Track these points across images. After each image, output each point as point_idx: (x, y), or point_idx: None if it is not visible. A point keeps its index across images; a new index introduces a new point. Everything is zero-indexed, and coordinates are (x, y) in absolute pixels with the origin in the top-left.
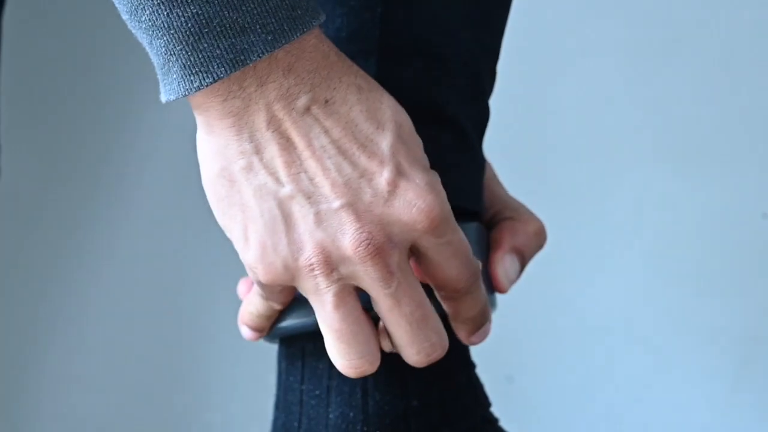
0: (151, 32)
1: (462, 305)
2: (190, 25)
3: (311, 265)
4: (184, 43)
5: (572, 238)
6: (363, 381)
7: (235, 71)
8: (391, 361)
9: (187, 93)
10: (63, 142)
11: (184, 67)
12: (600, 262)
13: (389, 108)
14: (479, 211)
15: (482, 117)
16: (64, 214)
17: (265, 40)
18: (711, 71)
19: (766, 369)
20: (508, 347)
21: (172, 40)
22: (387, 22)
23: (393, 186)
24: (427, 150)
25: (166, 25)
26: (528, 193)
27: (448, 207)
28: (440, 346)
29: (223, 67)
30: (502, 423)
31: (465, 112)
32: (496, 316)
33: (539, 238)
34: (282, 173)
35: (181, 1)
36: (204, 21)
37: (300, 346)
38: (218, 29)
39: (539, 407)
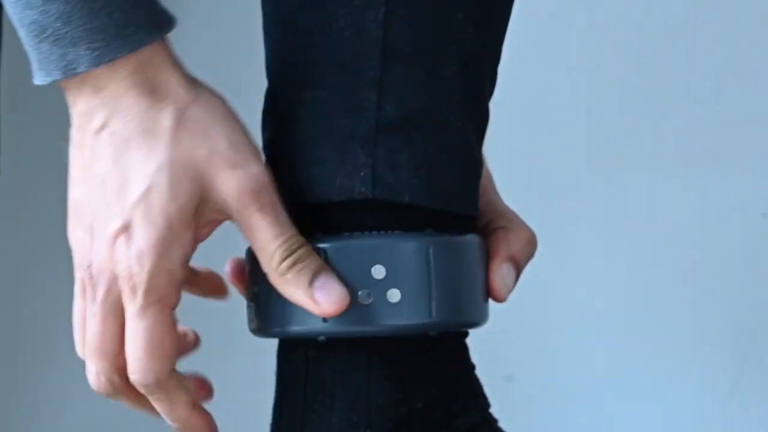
0: (15, 23)
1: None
2: (33, 28)
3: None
4: (32, 41)
5: (571, 238)
6: (367, 385)
7: (65, 78)
8: (393, 364)
9: (40, 83)
10: (64, 143)
11: (35, 61)
12: (599, 262)
13: (156, 168)
14: (474, 216)
15: (482, 119)
16: (63, 214)
17: (91, 56)
18: (710, 71)
19: (765, 369)
20: (508, 347)
21: (25, 36)
22: (390, 22)
23: (115, 236)
24: (423, 152)
25: (19, 22)
26: (528, 193)
27: (154, 278)
28: (96, 386)
29: (57, 71)
30: (501, 422)
31: (464, 114)
32: (495, 317)
33: (531, 247)
34: (79, 174)
35: (27, 5)
36: (41, 28)
37: (302, 352)
38: (53, 38)
39: (538, 406)
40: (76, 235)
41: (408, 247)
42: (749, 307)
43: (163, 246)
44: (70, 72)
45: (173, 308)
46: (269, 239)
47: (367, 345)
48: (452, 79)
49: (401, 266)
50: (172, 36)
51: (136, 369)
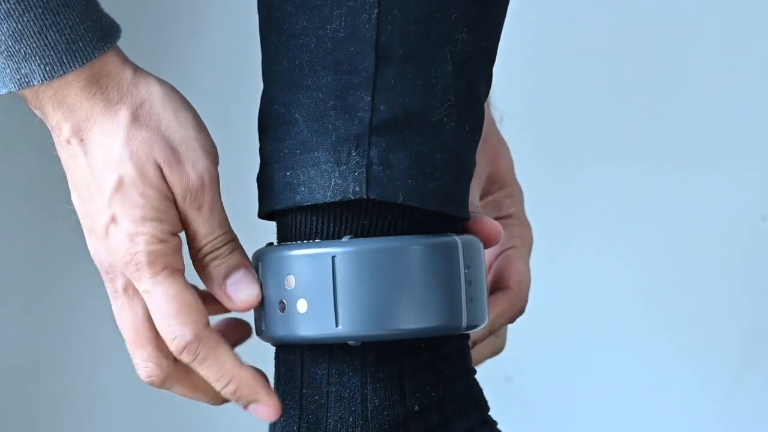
0: None
1: (193, 367)
2: None
3: None
4: None
5: (570, 239)
6: (362, 387)
7: (20, 90)
8: (389, 366)
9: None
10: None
11: None
12: (598, 263)
13: (118, 161)
14: (464, 217)
15: (476, 120)
16: (62, 216)
17: (43, 70)
18: (710, 72)
19: (764, 371)
20: (506, 348)
21: None
22: (383, 24)
23: (106, 228)
24: (416, 152)
25: None
26: (527, 192)
27: (151, 251)
28: (146, 375)
29: (12, 83)
30: (501, 424)
31: (458, 115)
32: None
33: (491, 241)
34: (71, 185)
35: None
36: None
37: (299, 353)
38: (6, 53)
39: (537, 407)
40: (89, 242)
41: (311, 258)
42: (749, 308)
43: (149, 221)
44: (24, 84)
45: (181, 272)
46: (201, 235)
47: (363, 345)
48: (446, 79)
49: (307, 277)
50: (174, 44)
51: (172, 333)
